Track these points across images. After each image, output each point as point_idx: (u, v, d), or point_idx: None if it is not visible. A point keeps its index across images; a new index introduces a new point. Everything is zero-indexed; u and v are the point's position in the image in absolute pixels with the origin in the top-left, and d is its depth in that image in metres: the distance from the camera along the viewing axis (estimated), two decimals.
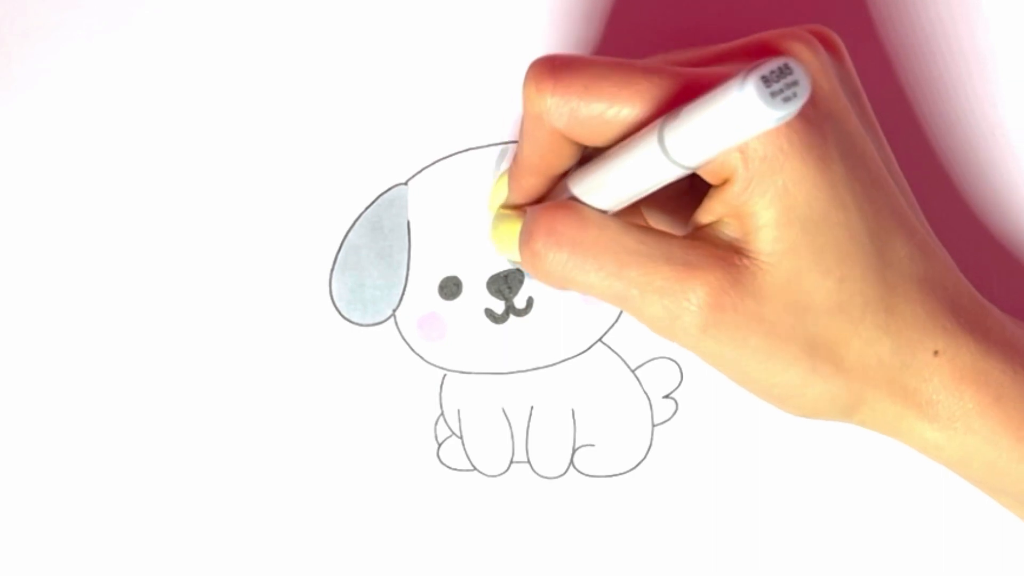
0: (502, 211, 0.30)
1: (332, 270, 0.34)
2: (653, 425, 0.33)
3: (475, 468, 0.34)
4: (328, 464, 0.34)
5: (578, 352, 0.34)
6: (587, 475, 0.33)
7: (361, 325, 0.34)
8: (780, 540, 0.33)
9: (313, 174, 0.34)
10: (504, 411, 0.34)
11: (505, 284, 0.34)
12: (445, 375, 0.34)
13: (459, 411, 0.34)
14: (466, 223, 0.34)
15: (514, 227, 0.28)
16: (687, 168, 0.22)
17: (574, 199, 0.26)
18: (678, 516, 0.33)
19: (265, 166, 0.34)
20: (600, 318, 0.33)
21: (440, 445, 0.34)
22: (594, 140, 0.25)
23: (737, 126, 0.20)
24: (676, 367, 0.33)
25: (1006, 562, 0.33)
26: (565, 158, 0.26)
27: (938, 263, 0.27)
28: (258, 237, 0.34)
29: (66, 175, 0.35)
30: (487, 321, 0.34)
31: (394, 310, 0.34)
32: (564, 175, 0.27)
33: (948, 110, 0.34)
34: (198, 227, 0.34)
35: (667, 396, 0.33)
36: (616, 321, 0.33)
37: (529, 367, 0.34)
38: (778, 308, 0.24)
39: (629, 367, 0.33)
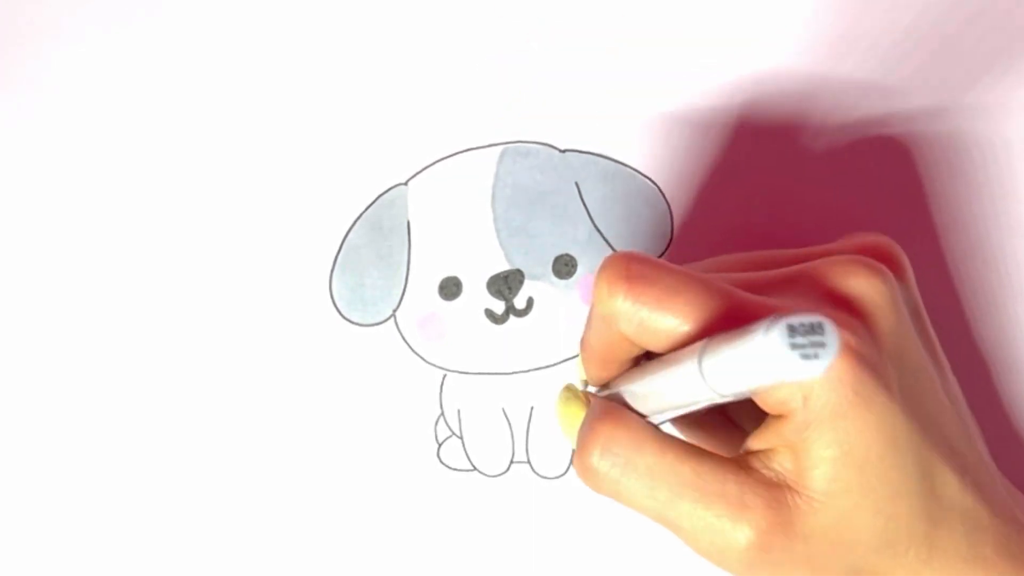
0: (566, 392, 0.29)
1: (332, 270, 0.34)
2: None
3: (475, 468, 0.34)
4: (328, 464, 0.34)
5: (578, 353, 0.33)
6: None
7: (361, 325, 0.34)
8: None
9: (313, 174, 0.34)
10: (504, 411, 0.34)
11: (505, 284, 0.34)
12: (445, 375, 0.34)
13: (459, 411, 0.34)
14: (466, 223, 0.34)
15: (574, 413, 0.28)
16: (724, 397, 0.22)
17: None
18: None
19: (265, 166, 0.34)
20: None
21: (440, 445, 0.34)
22: (656, 347, 0.25)
23: (763, 370, 0.20)
24: None
25: None
26: (627, 354, 0.26)
27: (989, 495, 0.26)
28: (258, 237, 0.34)
29: (67, 176, 0.35)
30: (487, 321, 0.34)
31: (394, 310, 0.34)
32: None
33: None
34: (199, 227, 0.34)
35: None
36: None
37: (529, 367, 0.34)
38: (824, 546, 0.24)
39: None
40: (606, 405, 0.26)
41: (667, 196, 0.34)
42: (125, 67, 0.35)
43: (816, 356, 0.19)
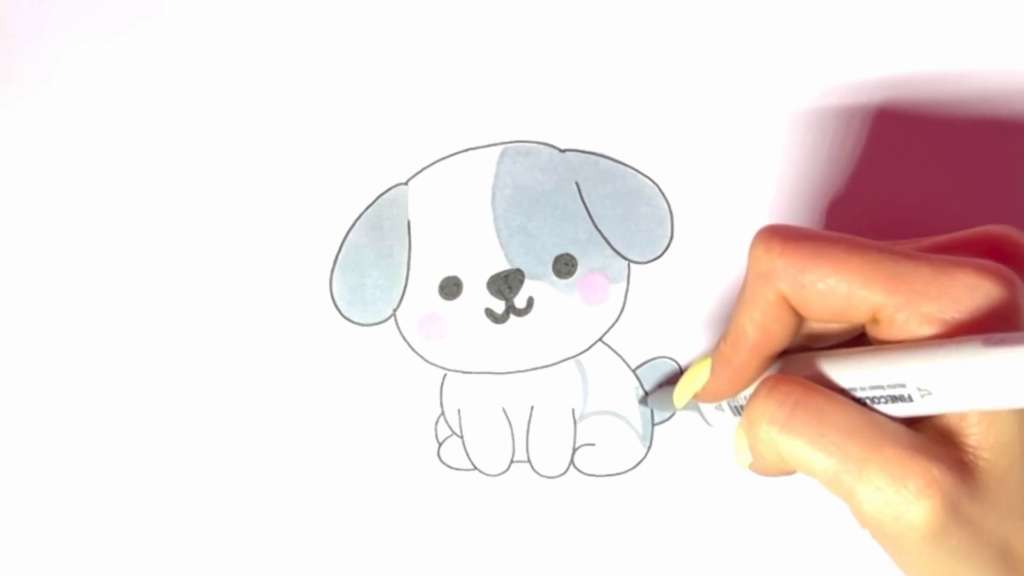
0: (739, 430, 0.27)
1: (332, 270, 0.34)
2: (653, 425, 0.33)
3: (475, 467, 0.34)
4: (329, 463, 0.34)
5: (578, 352, 0.34)
6: (587, 475, 0.33)
7: (361, 325, 0.34)
8: (779, 539, 0.33)
9: (313, 174, 0.34)
10: (504, 411, 0.34)
11: (505, 284, 0.34)
12: (445, 375, 0.34)
13: (459, 411, 0.34)
14: (466, 223, 0.34)
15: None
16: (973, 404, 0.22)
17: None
18: (678, 516, 0.33)
19: (265, 166, 0.34)
20: (600, 318, 0.33)
21: (440, 445, 0.34)
22: (815, 311, 0.24)
23: None
24: (676, 367, 0.33)
25: None
26: (784, 331, 0.25)
27: None
28: (258, 237, 0.34)
29: (68, 176, 0.35)
30: (487, 321, 0.34)
31: (394, 310, 0.34)
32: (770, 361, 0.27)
33: None
34: (199, 227, 0.34)
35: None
36: (616, 321, 0.33)
37: (529, 367, 0.34)
38: (985, 508, 0.23)
39: (629, 367, 0.33)
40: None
41: (667, 196, 0.34)
42: (126, 67, 0.35)
43: None
